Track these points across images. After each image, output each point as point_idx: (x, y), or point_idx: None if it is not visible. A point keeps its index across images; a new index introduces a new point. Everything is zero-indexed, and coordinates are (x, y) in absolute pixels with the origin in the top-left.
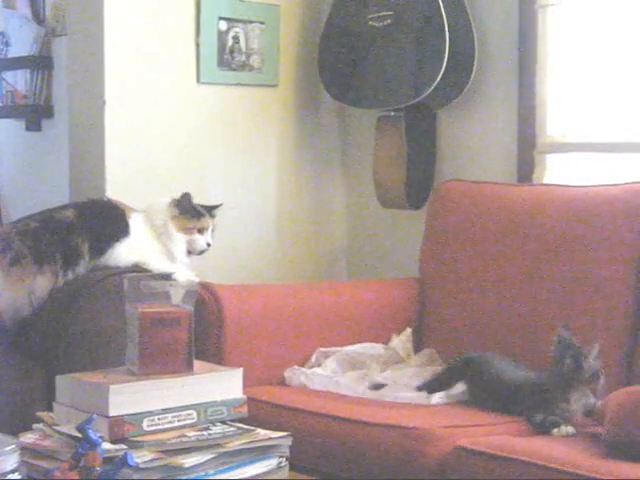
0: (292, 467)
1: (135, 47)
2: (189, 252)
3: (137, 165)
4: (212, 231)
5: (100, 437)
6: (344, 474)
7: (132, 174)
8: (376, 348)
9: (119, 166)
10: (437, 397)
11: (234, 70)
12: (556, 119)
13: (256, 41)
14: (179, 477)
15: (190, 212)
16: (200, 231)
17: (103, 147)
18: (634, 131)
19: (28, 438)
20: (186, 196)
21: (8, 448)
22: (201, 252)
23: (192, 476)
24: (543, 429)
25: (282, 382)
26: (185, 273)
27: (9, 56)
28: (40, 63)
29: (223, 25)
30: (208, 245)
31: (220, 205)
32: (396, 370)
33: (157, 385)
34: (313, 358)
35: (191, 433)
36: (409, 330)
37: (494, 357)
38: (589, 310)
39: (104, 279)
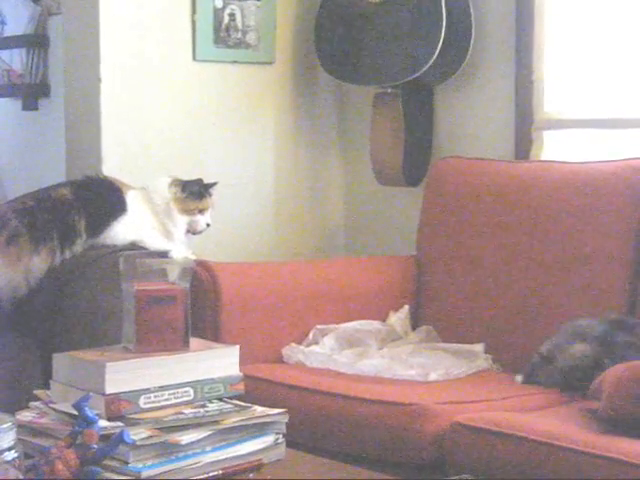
0: (289, 444)
1: (131, 25)
2: (188, 231)
3: (133, 143)
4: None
5: (97, 415)
6: (341, 451)
7: (128, 152)
8: (374, 325)
9: (115, 144)
10: (435, 374)
11: (230, 47)
12: (553, 95)
13: (252, 18)
14: (176, 454)
15: (194, 193)
16: (201, 212)
17: (99, 125)
18: (631, 107)
19: (25, 416)
20: (199, 181)
21: (5, 426)
22: (200, 232)
23: (189, 453)
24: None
25: (279, 360)
26: (182, 251)
27: (5, 35)
28: (36, 42)
29: (219, 2)
30: (208, 225)
31: (216, 183)
32: (394, 347)
33: (154, 362)
34: (310, 335)
35: (188, 410)
36: (406, 307)
37: None
38: (587, 285)
39: (101, 257)
